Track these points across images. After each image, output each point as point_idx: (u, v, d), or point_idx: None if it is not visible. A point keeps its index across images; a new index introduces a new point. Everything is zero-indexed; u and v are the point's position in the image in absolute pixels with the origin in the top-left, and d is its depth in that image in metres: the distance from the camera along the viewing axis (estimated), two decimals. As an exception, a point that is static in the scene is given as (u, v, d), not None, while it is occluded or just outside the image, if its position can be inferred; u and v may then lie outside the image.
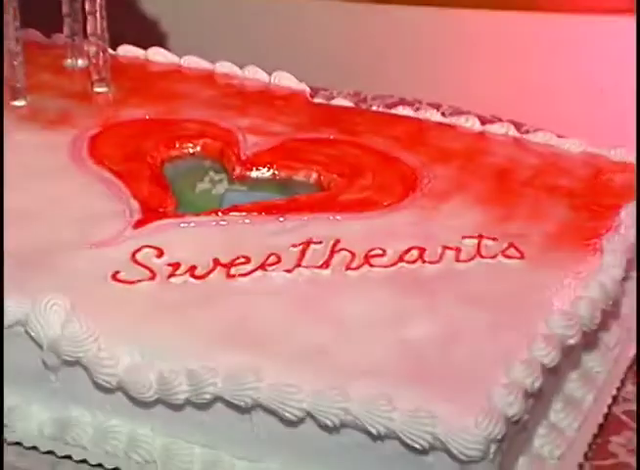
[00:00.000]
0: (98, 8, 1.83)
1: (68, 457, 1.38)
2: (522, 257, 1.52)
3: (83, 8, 1.84)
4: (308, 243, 1.53)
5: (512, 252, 1.52)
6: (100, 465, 1.36)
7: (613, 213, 1.58)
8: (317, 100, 1.83)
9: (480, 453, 1.21)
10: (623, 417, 1.46)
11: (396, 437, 1.23)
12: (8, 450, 1.41)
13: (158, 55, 1.96)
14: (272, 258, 1.50)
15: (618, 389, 1.48)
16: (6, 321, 1.39)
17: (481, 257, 1.52)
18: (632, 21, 2.36)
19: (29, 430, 1.42)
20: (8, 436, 1.41)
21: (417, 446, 1.23)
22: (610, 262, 1.50)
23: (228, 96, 1.86)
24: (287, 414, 1.27)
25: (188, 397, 1.31)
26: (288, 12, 2.40)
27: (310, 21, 2.40)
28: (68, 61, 1.89)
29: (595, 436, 1.41)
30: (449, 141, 1.74)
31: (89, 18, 1.83)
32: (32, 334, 1.38)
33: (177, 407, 1.33)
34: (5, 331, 1.41)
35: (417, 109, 1.83)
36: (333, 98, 1.83)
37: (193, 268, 1.48)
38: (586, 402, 1.44)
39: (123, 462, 1.36)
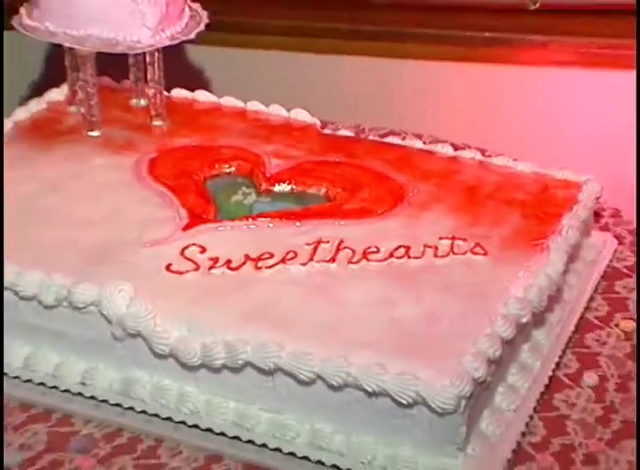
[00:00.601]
0: (156, 60, 1.82)
1: (131, 408, 1.38)
2: (485, 254, 1.52)
3: (144, 60, 1.84)
4: (319, 242, 1.53)
5: (478, 250, 1.53)
6: (156, 415, 1.36)
7: (556, 220, 1.58)
8: (326, 131, 1.83)
9: (452, 407, 1.22)
10: (564, 379, 1.46)
11: (387, 394, 1.24)
12: (85, 404, 1.41)
13: (202, 96, 1.95)
14: (290, 254, 1.50)
15: (560, 357, 1.48)
16: (83, 302, 1.39)
17: (454, 253, 1.52)
18: (579, 72, 2.36)
19: (102, 387, 1.41)
20: (86, 391, 1.41)
21: (403, 402, 1.23)
22: (554, 259, 1.50)
23: (256, 128, 1.85)
24: (302, 376, 1.28)
25: (224, 362, 1.31)
26: (299, 63, 2.43)
27: (316, 71, 2.43)
28: (133, 100, 1.89)
29: (542, 393, 1.41)
30: (429, 163, 1.75)
31: (149, 67, 1.83)
32: (104, 312, 1.38)
33: (216, 370, 1.34)
34: (82, 310, 1.40)
35: (403, 138, 1.84)
36: (338, 129, 1.83)
37: (228, 262, 1.48)
38: (535, 368, 1.44)
39: (174, 413, 1.36)
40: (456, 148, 1.80)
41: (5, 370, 1.45)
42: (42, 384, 1.44)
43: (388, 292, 1.44)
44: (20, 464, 1.32)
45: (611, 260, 1.69)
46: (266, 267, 1.49)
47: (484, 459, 1.29)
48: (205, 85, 2.07)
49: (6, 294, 1.44)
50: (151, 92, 1.85)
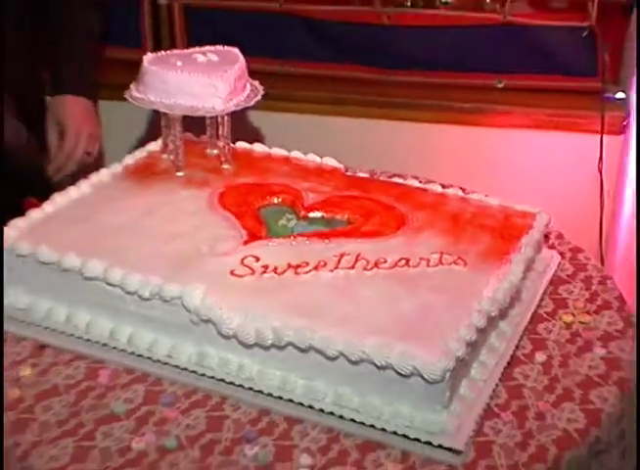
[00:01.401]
0: (225, 121, 1.82)
1: (204, 375, 1.38)
2: (465, 265, 1.50)
3: (217, 121, 1.83)
4: (342, 255, 1.51)
5: (459, 262, 1.51)
6: (222, 380, 1.36)
7: (517, 240, 1.57)
8: (348, 173, 1.82)
9: (439, 378, 1.22)
10: (521, 357, 1.45)
11: (392, 368, 1.24)
12: (171, 371, 1.41)
13: (257, 147, 1.93)
14: (321, 263, 1.49)
15: (519, 341, 1.48)
16: (170, 297, 1.39)
17: (442, 264, 1.51)
18: (531, 133, 2.36)
19: (183, 358, 1.41)
20: (172, 361, 1.41)
21: (403, 373, 1.23)
22: (514, 269, 1.49)
23: (297, 170, 1.84)
24: (329, 354, 1.28)
25: (272, 342, 1.31)
26: (330, 123, 2.45)
27: (341, 129, 2.44)
28: (208, 150, 1.87)
29: (505, 368, 1.40)
30: (423, 198, 1.74)
31: (220, 126, 1.83)
32: (185, 304, 1.38)
33: (266, 348, 1.33)
34: (169, 302, 1.40)
35: (405, 179, 1.83)
36: (357, 172, 1.82)
37: (275, 268, 1.47)
38: (500, 349, 1.43)
39: (235, 378, 1.36)
40: (443, 186, 1.79)
41: (115, 344, 1.45)
42: (140, 355, 1.43)
43: (392, 292, 1.43)
44: (124, 413, 1.33)
45: (555, 271, 1.68)
46: (303, 273, 1.47)
47: (462, 415, 1.28)
48: (260, 139, 2.05)
49: (114, 289, 1.44)
50: (221, 144, 1.83)
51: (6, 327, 1.52)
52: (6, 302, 1.54)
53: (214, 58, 1.81)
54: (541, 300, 1.59)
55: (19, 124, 1.99)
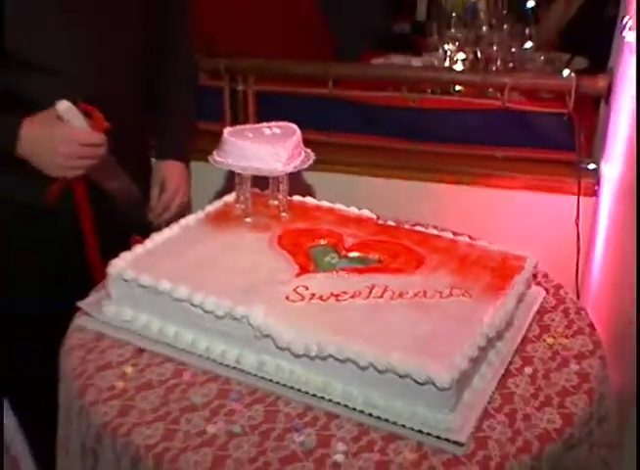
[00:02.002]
0: (284, 179, 1.82)
1: (263, 378, 1.38)
2: (470, 297, 1.48)
3: (278, 179, 1.83)
4: (373, 286, 1.50)
5: (466, 295, 1.49)
6: (277, 382, 1.37)
7: (511, 279, 1.55)
8: (380, 222, 1.80)
9: (448, 386, 1.21)
10: (513, 370, 1.43)
11: (411, 377, 1.23)
12: (238, 374, 1.42)
13: (309, 200, 1.92)
14: (356, 293, 1.47)
15: (512, 358, 1.46)
16: (239, 316, 1.40)
17: (452, 296, 1.49)
18: (525, 193, 2.36)
19: (248, 364, 1.41)
20: (239, 366, 1.41)
21: (420, 382, 1.23)
22: (509, 301, 1.48)
23: (339, 219, 1.82)
24: (361, 364, 1.27)
25: (316, 354, 1.32)
26: (366, 182, 2.46)
27: (375, 187, 2.44)
28: (270, 201, 1.85)
29: (500, 379, 1.39)
30: (438, 243, 1.71)
31: (280, 184, 1.83)
32: (250, 322, 1.38)
33: (312, 358, 1.34)
34: (238, 320, 1.41)
35: (425, 227, 1.81)
36: (386, 221, 1.80)
37: (320, 296, 1.46)
38: (497, 364, 1.42)
39: (287, 381, 1.36)
40: (454, 234, 1.76)
41: (196, 351, 1.46)
42: (214, 361, 1.44)
43: (412, 317, 1.41)
44: (201, 405, 1.34)
45: (541, 303, 1.66)
46: (342, 300, 1.46)
47: (465, 416, 1.27)
48: (311, 193, 2.05)
49: (196, 309, 1.45)
50: (280, 197, 1.83)
51: (113, 334, 1.53)
52: (114, 314, 1.56)
53: (277, 131, 1.81)
54: (530, 325, 1.57)
55: (131, 181, 1.99)
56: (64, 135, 1.72)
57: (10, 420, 1.87)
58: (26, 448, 1.91)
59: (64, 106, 1.70)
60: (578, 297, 2.17)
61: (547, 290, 1.70)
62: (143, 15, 1.94)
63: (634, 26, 1.92)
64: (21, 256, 1.93)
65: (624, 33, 2.00)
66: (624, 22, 2.01)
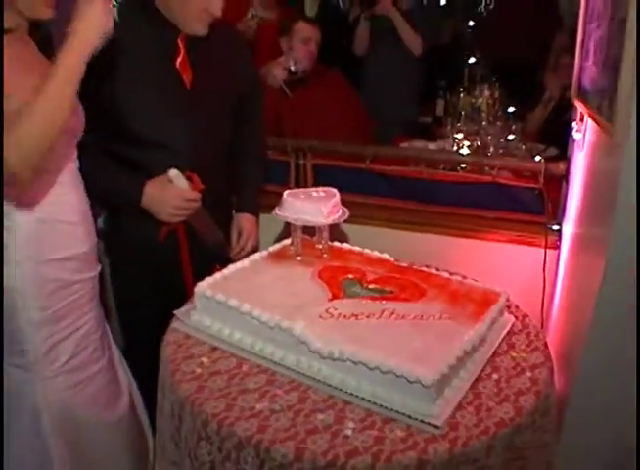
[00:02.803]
0: (325, 228, 1.80)
1: (300, 373, 1.40)
2: (456, 320, 1.48)
3: (320, 228, 1.81)
4: (384, 310, 1.51)
5: (453, 319, 1.50)
6: (312, 378, 1.38)
7: (488, 308, 1.55)
8: (396, 263, 1.79)
9: (431, 384, 1.23)
10: (484, 376, 1.43)
11: (405, 377, 1.26)
12: (282, 369, 1.43)
13: (345, 245, 1.90)
14: (371, 314, 1.48)
15: (484, 367, 1.46)
16: (284, 328, 1.41)
17: (442, 319, 1.49)
18: (503, 245, 2.33)
19: (289, 362, 1.43)
20: (282, 363, 1.43)
21: (411, 380, 1.25)
22: (484, 325, 1.48)
23: (365, 260, 1.80)
24: (370, 366, 1.30)
25: (338, 357, 1.34)
26: (386, 234, 2.43)
27: (392, 238, 2.42)
28: (315, 245, 1.84)
29: (473, 382, 1.39)
30: (437, 280, 1.70)
31: (324, 232, 1.81)
32: (292, 332, 1.40)
33: (334, 360, 1.35)
34: (283, 331, 1.42)
35: (428, 268, 1.79)
36: (401, 263, 1.79)
37: (345, 315, 1.48)
38: (471, 370, 1.42)
39: (319, 377, 1.38)
40: (450, 274, 1.75)
41: (253, 350, 1.47)
42: (265, 358, 1.46)
43: (410, 334, 1.42)
44: (254, 389, 1.36)
45: (510, 327, 1.64)
46: (360, 319, 1.47)
47: (443, 407, 1.29)
48: (346, 240, 2.01)
49: (254, 321, 1.47)
50: (322, 242, 1.82)
51: (196, 335, 1.56)
52: (197, 321, 1.59)
53: (322, 194, 1.81)
54: (500, 343, 1.56)
55: (216, 226, 2.02)
56: (173, 194, 1.83)
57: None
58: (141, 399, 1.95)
59: (173, 173, 1.81)
60: (543, 324, 2.13)
61: (516, 317, 1.69)
62: (229, 109, 2.00)
63: (581, 129, 1.95)
64: (140, 276, 2.00)
65: (574, 133, 2.03)
66: (574, 125, 2.04)
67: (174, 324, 1.63)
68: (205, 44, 1.83)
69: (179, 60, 1.82)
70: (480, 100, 3.18)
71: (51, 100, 1.32)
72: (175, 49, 1.82)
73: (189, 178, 1.84)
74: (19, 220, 1.52)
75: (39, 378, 1.61)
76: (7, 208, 1.51)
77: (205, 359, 1.48)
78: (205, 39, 1.82)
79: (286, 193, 1.81)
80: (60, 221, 1.60)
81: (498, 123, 2.98)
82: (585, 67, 1.90)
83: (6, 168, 1.31)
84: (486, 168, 2.42)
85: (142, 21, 1.80)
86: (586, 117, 1.87)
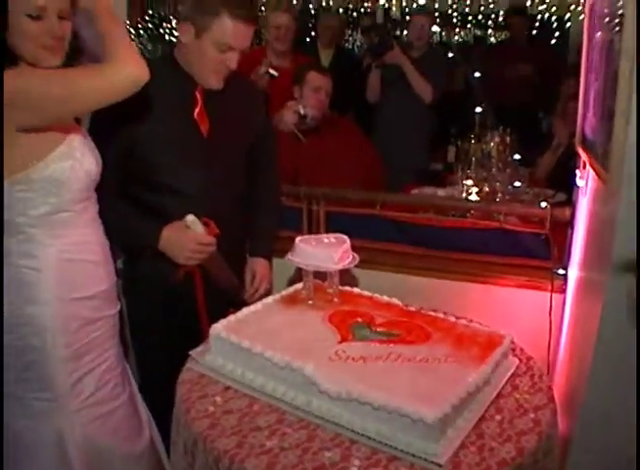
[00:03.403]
0: (335, 273, 1.84)
1: (309, 412, 1.44)
2: (460, 363, 1.52)
3: (332, 274, 1.84)
4: (390, 353, 1.54)
5: (458, 362, 1.53)
6: (321, 418, 1.42)
7: (492, 351, 1.58)
8: (404, 308, 1.83)
9: (434, 424, 1.28)
10: (487, 416, 1.46)
11: (410, 417, 1.30)
12: (291, 407, 1.47)
13: (355, 290, 1.94)
14: (379, 357, 1.53)
15: (487, 407, 1.49)
16: (295, 369, 1.45)
17: (446, 362, 1.52)
18: (512, 289, 2.36)
19: (300, 402, 1.47)
20: (293, 402, 1.46)
21: (415, 419, 1.29)
22: (488, 367, 1.52)
23: (374, 304, 1.84)
24: (375, 405, 1.34)
25: (346, 397, 1.37)
26: (396, 278, 2.43)
27: (402, 283, 2.42)
28: (327, 290, 1.87)
29: (476, 422, 1.43)
30: (443, 323, 1.73)
31: (335, 277, 1.85)
32: (303, 373, 1.45)
33: (342, 399, 1.39)
34: (293, 371, 1.45)
35: (435, 312, 1.81)
36: (409, 307, 1.82)
37: (353, 358, 1.52)
38: (475, 410, 1.45)
39: (329, 416, 1.42)
40: (457, 318, 1.78)
41: (263, 390, 1.51)
42: (276, 397, 1.49)
43: (415, 376, 1.45)
44: (265, 426, 1.41)
45: (515, 369, 1.66)
46: (368, 362, 1.51)
47: (447, 446, 1.32)
48: (356, 284, 2.06)
49: (266, 361, 1.51)
50: (333, 287, 1.85)
51: (210, 375, 1.60)
52: (212, 362, 1.62)
53: (333, 240, 1.85)
54: (504, 385, 1.58)
55: (230, 270, 2.07)
56: (189, 238, 1.90)
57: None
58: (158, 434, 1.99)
59: (190, 218, 1.89)
60: (549, 367, 2.15)
61: (521, 360, 1.71)
62: (244, 158, 2.09)
63: (584, 176, 2.01)
64: (156, 315, 2.06)
65: (577, 180, 2.10)
66: (577, 173, 2.11)
67: (189, 364, 1.68)
68: (221, 95, 1.91)
69: (197, 111, 1.90)
70: (491, 146, 3.23)
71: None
72: (193, 100, 1.90)
73: (205, 224, 1.92)
74: (48, 261, 1.61)
75: (65, 411, 1.67)
76: (36, 249, 1.61)
77: (218, 398, 1.52)
78: (222, 91, 1.90)
79: (298, 239, 1.86)
80: (83, 261, 1.68)
81: (508, 170, 3.03)
82: (587, 116, 1.98)
83: (129, 77, 1.51)
84: (494, 214, 2.47)
85: (162, 72, 1.86)
86: (588, 164, 1.95)
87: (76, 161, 1.60)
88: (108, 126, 1.80)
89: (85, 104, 1.55)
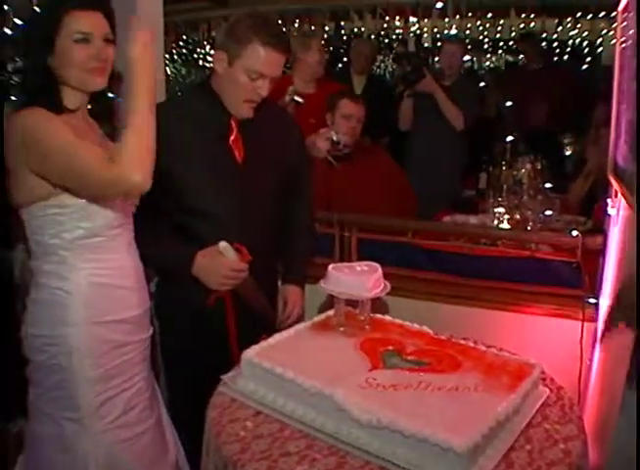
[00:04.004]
0: (368, 303, 1.84)
1: (338, 439, 1.45)
2: (490, 392, 1.52)
3: (363, 302, 1.85)
4: (421, 382, 1.55)
5: (487, 391, 1.53)
6: (349, 444, 1.43)
7: (522, 380, 1.58)
8: (435, 336, 1.83)
9: (464, 453, 1.29)
10: (516, 446, 1.45)
11: (439, 445, 1.31)
12: (322, 434, 1.48)
13: (386, 317, 1.94)
14: (409, 385, 1.53)
15: (517, 437, 1.48)
16: (326, 395, 1.46)
17: (476, 391, 1.53)
18: (541, 318, 2.33)
19: (328, 429, 1.47)
20: (323, 429, 1.47)
21: (445, 449, 1.30)
22: (518, 396, 1.52)
23: (405, 332, 1.84)
24: (406, 434, 1.35)
25: (376, 425, 1.38)
26: (425, 307, 2.44)
27: (433, 311, 2.41)
28: (358, 316, 1.87)
29: (506, 452, 1.42)
30: (473, 352, 1.73)
31: (365, 305, 1.86)
32: (333, 399, 1.46)
33: (372, 426, 1.40)
34: (325, 397, 1.46)
35: (466, 340, 1.82)
36: (439, 335, 1.82)
37: (384, 386, 1.52)
38: (505, 440, 1.45)
39: (357, 443, 1.42)
40: (487, 346, 1.78)
41: (293, 416, 1.52)
42: (306, 424, 1.50)
43: (445, 405, 1.46)
44: (295, 452, 1.42)
45: (545, 399, 1.65)
46: (399, 390, 1.51)
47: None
48: (387, 312, 2.03)
49: (296, 387, 1.52)
50: (365, 314, 1.86)
51: (241, 400, 1.61)
52: (243, 387, 1.63)
53: (365, 268, 1.86)
54: (534, 415, 1.58)
55: (263, 296, 2.10)
56: (222, 264, 1.93)
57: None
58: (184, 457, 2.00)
59: (223, 245, 1.92)
60: (580, 397, 2.13)
61: (551, 389, 1.71)
62: (278, 184, 2.09)
63: (615, 204, 2.01)
64: (187, 339, 2.07)
65: (609, 208, 2.10)
66: (608, 201, 2.11)
67: (221, 388, 1.70)
68: (256, 123, 1.94)
69: (232, 138, 1.94)
70: (522, 173, 3.24)
71: (146, 116, 1.53)
72: (228, 127, 1.93)
73: (238, 250, 1.93)
74: (79, 284, 1.64)
75: (90, 432, 1.68)
76: (68, 271, 1.64)
77: (249, 423, 1.54)
78: (257, 118, 1.93)
79: (330, 267, 1.89)
80: (116, 286, 1.70)
81: (539, 197, 3.04)
82: (619, 144, 1.99)
83: (134, 185, 1.50)
84: (526, 243, 2.48)
85: (199, 99, 1.94)
86: (619, 192, 1.95)
87: None
88: None
89: (79, 190, 1.57)
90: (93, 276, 1.66)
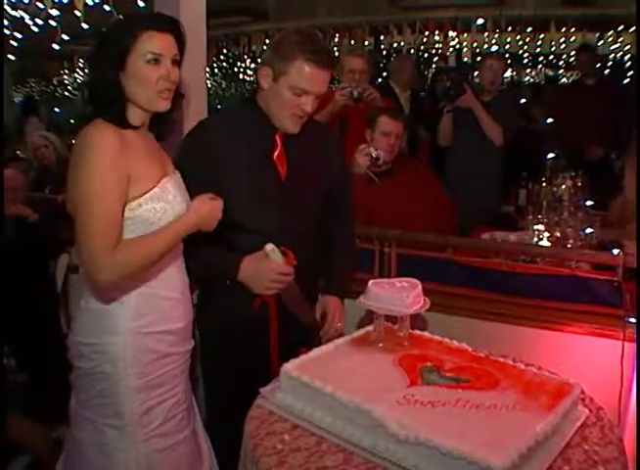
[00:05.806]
0: (408, 319, 1.84)
1: (374, 454, 1.46)
2: (528, 411, 1.51)
3: (403, 318, 1.85)
4: (459, 399, 1.55)
5: (525, 409, 1.52)
6: (384, 458, 1.43)
7: (560, 399, 1.57)
8: (473, 352, 1.82)
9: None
10: (555, 467, 1.44)
11: (477, 464, 1.30)
12: (359, 449, 1.48)
13: (425, 333, 1.93)
14: (447, 402, 1.53)
15: (555, 458, 1.47)
16: (363, 410, 1.46)
17: (514, 410, 1.52)
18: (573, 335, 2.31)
19: (365, 443, 1.48)
20: (360, 444, 1.48)
21: (483, 466, 1.30)
22: (556, 416, 1.51)
23: (444, 349, 1.84)
24: (443, 451, 1.35)
25: (413, 441, 1.38)
26: (464, 323, 2.42)
27: (472, 327, 2.39)
28: (397, 332, 1.87)
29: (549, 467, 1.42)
30: (513, 370, 1.72)
31: (405, 321, 1.86)
32: (371, 414, 1.46)
33: (409, 443, 1.40)
34: (362, 412, 1.47)
35: (505, 357, 1.81)
36: (477, 352, 1.81)
37: (422, 402, 1.53)
38: (542, 460, 1.44)
39: (391, 456, 1.43)
40: (525, 365, 1.76)
41: (331, 429, 1.52)
42: (342, 438, 1.51)
43: (483, 422, 1.46)
44: (333, 466, 1.43)
45: (584, 419, 1.64)
46: (437, 406, 1.51)
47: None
48: (426, 329, 2.03)
49: (334, 402, 1.53)
50: (404, 330, 1.86)
51: (280, 413, 1.61)
52: (281, 400, 1.64)
53: (405, 284, 1.86)
54: (572, 435, 1.56)
55: (307, 303, 2.10)
56: (268, 267, 1.94)
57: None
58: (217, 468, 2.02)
59: (269, 247, 1.93)
60: (620, 418, 2.09)
61: (590, 410, 1.68)
62: (320, 199, 2.11)
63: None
64: (228, 349, 2.07)
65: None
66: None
67: (259, 401, 1.71)
68: (300, 139, 1.96)
69: (276, 153, 1.96)
70: (562, 189, 3.20)
71: (155, 250, 1.61)
72: (273, 143, 1.95)
73: (284, 253, 1.95)
74: (130, 294, 1.68)
75: (131, 440, 1.71)
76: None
77: (286, 436, 1.54)
78: (301, 134, 1.95)
79: (370, 282, 1.89)
80: (163, 297, 1.73)
81: (579, 214, 2.99)
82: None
83: (95, 278, 1.55)
84: (566, 261, 2.45)
85: (245, 115, 1.96)
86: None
87: (168, 203, 1.66)
88: (192, 166, 1.88)
89: (77, 234, 1.59)
90: (144, 287, 1.69)
